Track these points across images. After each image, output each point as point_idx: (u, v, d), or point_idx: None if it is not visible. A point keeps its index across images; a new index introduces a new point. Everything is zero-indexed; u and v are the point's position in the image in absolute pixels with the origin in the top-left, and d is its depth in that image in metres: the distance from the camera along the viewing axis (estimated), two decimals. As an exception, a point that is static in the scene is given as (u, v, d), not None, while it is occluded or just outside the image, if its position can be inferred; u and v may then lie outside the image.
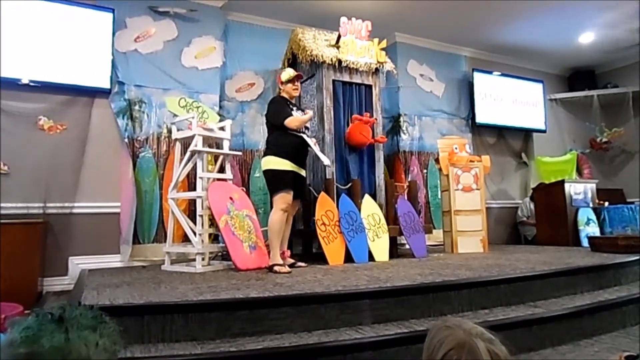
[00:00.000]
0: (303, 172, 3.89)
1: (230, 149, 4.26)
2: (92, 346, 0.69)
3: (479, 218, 4.86)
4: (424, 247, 4.55)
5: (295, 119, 3.72)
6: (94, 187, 4.38)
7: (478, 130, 6.74)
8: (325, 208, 4.05)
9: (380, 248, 4.19)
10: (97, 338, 0.70)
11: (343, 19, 4.62)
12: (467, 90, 6.67)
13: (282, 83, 3.91)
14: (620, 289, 3.17)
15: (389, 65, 4.83)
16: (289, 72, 3.92)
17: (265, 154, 3.80)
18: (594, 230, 5.46)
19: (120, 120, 4.49)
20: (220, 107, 5.01)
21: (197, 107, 4.33)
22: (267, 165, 3.72)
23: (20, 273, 3.56)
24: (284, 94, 3.91)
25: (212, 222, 3.89)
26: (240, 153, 4.84)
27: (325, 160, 3.85)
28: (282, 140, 3.73)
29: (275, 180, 3.69)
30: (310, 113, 3.85)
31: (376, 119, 4.65)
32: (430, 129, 6.27)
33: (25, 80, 4.10)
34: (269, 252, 3.65)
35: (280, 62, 5.10)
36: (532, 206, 6.37)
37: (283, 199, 3.63)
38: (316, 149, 3.86)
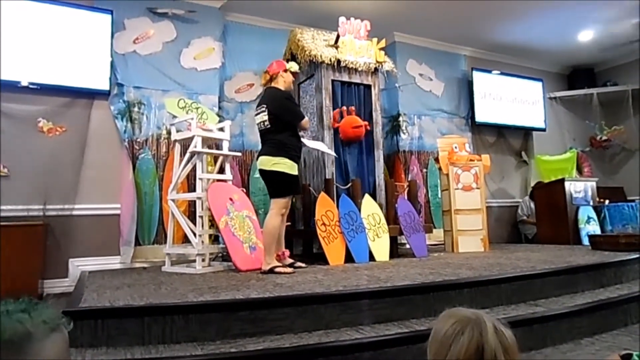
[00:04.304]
0: None
1: (229, 150, 4.25)
2: (27, 322, 0.72)
3: (479, 217, 4.86)
4: (425, 246, 4.55)
5: (307, 121, 3.69)
6: (94, 188, 4.38)
7: (478, 129, 6.74)
8: (325, 208, 4.05)
9: (380, 248, 4.19)
10: (30, 316, 0.73)
11: (342, 19, 4.62)
12: (467, 89, 6.67)
13: (285, 70, 3.67)
14: (621, 287, 3.16)
15: (388, 65, 4.83)
16: (296, 65, 3.83)
17: (274, 154, 3.48)
18: (594, 228, 5.46)
19: (119, 122, 4.49)
20: (220, 108, 5.02)
21: (197, 108, 4.33)
22: (280, 167, 3.46)
23: (21, 275, 3.56)
24: (282, 86, 3.66)
25: (212, 223, 3.88)
26: (239, 154, 4.83)
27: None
28: (293, 142, 3.57)
29: (286, 185, 3.51)
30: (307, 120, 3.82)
31: (354, 108, 4.56)
32: (430, 129, 6.27)
33: (24, 83, 4.10)
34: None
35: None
36: (532, 205, 6.37)
37: (286, 204, 3.57)
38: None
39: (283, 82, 3.67)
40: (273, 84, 3.68)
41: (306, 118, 3.68)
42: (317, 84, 4.55)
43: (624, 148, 7.37)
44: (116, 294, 2.53)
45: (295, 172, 3.56)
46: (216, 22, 5.08)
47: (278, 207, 3.52)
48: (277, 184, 3.52)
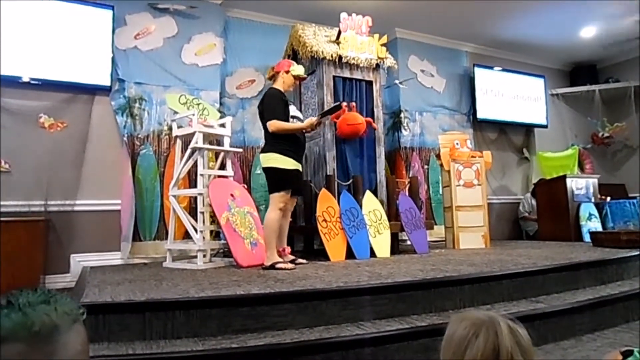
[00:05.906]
0: (301, 167, 3.75)
1: (230, 146, 4.26)
2: (52, 313, 0.72)
3: (480, 214, 4.86)
4: (426, 243, 4.55)
5: (275, 124, 3.50)
6: (95, 184, 4.39)
7: (479, 125, 6.73)
8: (326, 204, 4.05)
9: (381, 244, 4.19)
10: (53, 307, 0.74)
11: (343, 15, 4.61)
12: (468, 85, 6.66)
13: (286, 72, 3.69)
14: (622, 284, 3.16)
15: (389, 61, 4.81)
16: (301, 70, 3.80)
17: (266, 150, 3.58)
18: (595, 225, 5.45)
19: (119, 118, 4.49)
20: (221, 103, 5.01)
21: (198, 104, 4.32)
22: (271, 162, 3.53)
23: (22, 271, 3.56)
24: (280, 86, 3.68)
25: (213, 219, 3.88)
26: (241, 150, 4.84)
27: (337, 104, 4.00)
28: (285, 136, 3.56)
29: (279, 180, 3.52)
30: (301, 124, 3.69)
31: (355, 103, 4.52)
32: (431, 125, 6.26)
33: (26, 78, 4.10)
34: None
35: (281, 59, 5.07)
36: (533, 202, 6.37)
37: (282, 199, 3.53)
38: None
39: (282, 83, 3.72)
40: (273, 83, 3.75)
41: (274, 121, 3.49)
42: (319, 80, 4.54)
43: (626, 145, 7.35)
44: (117, 290, 2.53)
45: (288, 167, 3.52)
46: (217, 18, 5.07)
47: (274, 203, 3.54)
48: (270, 179, 3.61)
